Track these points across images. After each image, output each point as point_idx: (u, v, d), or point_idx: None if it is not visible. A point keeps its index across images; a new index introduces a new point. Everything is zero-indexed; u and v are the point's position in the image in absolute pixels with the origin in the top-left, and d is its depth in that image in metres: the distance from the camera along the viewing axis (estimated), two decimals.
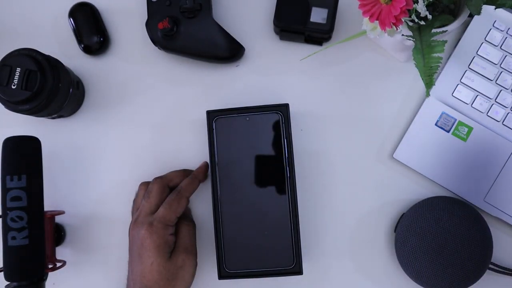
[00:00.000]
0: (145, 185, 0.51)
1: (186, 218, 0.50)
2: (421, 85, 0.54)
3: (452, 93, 0.53)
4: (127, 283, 0.48)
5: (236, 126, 0.50)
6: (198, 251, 0.49)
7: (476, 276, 0.49)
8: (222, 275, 0.48)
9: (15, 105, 0.47)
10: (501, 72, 0.53)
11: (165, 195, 0.49)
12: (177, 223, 0.48)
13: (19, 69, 0.46)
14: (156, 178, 0.50)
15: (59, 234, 0.53)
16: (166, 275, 0.45)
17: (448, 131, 0.53)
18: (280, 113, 0.49)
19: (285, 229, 0.48)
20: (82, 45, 0.55)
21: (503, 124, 0.53)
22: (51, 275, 0.48)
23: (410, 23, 0.44)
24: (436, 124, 0.53)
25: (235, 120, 0.50)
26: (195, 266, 0.48)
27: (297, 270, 0.48)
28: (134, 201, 0.52)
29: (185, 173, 0.52)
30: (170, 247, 0.46)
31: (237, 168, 0.49)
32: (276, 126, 0.49)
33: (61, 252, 0.54)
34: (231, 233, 0.49)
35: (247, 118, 0.49)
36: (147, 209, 0.48)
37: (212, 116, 0.50)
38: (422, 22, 0.43)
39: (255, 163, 0.49)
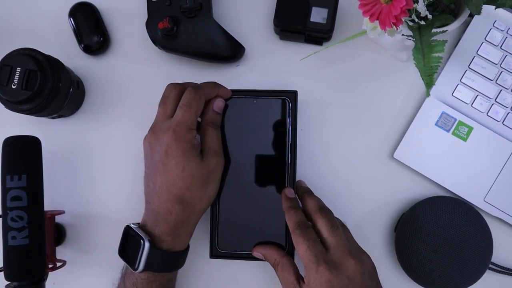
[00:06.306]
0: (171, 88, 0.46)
1: (208, 121, 0.47)
2: (421, 85, 0.54)
3: (452, 93, 0.53)
4: (145, 199, 0.45)
5: (242, 108, 0.49)
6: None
7: (476, 276, 0.49)
8: (213, 254, 0.48)
9: (15, 105, 0.47)
10: (501, 72, 0.53)
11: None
12: (200, 127, 0.46)
13: (19, 69, 0.46)
14: (170, 84, 0.46)
15: (59, 234, 0.53)
16: (200, 179, 0.43)
17: (448, 131, 0.52)
18: (288, 99, 0.49)
19: (281, 214, 0.47)
20: (82, 45, 0.55)
21: (503, 124, 0.52)
22: (51, 275, 0.48)
23: (410, 23, 0.44)
24: (436, 124, 0.53)
25: (242, 101, 0.49)
26: (222, 171, 0.46)
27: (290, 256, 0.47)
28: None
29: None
30: (197, 151, 0.44)
31: (238, 150, 0.49)
32: (283, 112, 0.49)
33: (61, 252, 0.54)
34: (227, 213, 0.48)
35: (254, 101, 0.49)
36: (162, 116, 0.45)
37: None
38: (422, 22, 0.43)
39: (258, 147, 0.49)
